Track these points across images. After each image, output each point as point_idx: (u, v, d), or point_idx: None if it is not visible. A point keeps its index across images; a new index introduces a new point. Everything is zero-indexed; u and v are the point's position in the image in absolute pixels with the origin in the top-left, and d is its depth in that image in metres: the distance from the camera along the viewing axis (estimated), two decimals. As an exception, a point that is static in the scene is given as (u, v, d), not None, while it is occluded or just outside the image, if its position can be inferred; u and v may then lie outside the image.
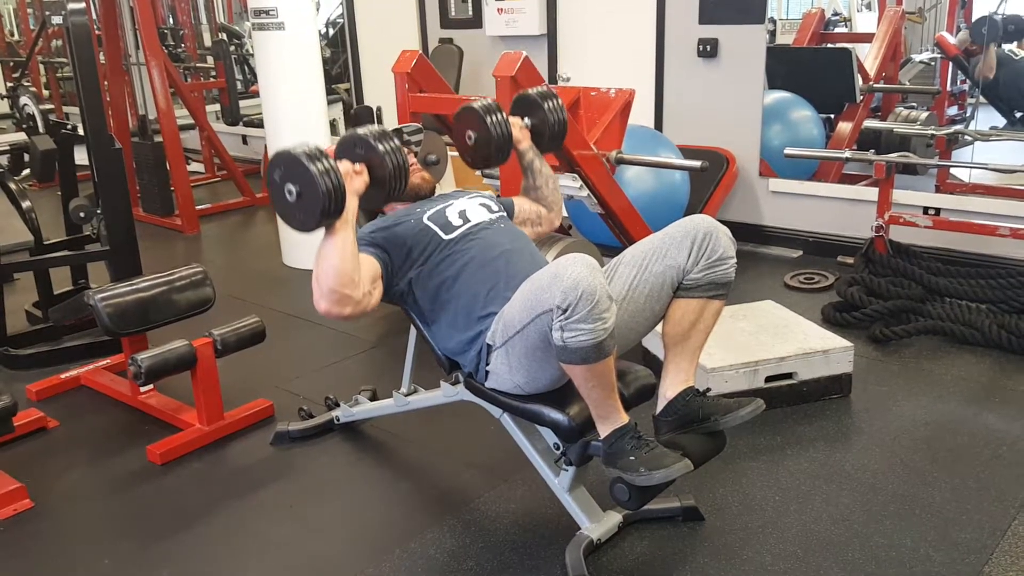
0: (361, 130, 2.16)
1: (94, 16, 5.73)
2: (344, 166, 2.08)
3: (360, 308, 2.12)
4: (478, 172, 3.90)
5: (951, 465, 2.59)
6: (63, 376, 3.40)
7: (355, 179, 2.10)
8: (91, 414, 3.20)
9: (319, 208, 1.96)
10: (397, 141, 2.15)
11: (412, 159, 2.52)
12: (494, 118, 2.44)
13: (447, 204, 2.39)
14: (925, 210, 4.05)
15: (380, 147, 2.11)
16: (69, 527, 2.52)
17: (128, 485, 2.72)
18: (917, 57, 5.73)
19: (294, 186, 1.99)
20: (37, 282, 3.90)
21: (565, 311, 1.84)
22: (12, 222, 3.83)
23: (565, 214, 4.53)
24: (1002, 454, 2.64)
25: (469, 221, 2.34)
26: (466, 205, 2.39)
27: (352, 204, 2.06)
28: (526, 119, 2.57)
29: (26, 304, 4.05)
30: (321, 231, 2.04)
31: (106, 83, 5.51)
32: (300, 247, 4.78)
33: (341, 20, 6.78)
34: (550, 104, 2.56)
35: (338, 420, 2.94)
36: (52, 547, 2.42)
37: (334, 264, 2.03)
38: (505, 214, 2.48)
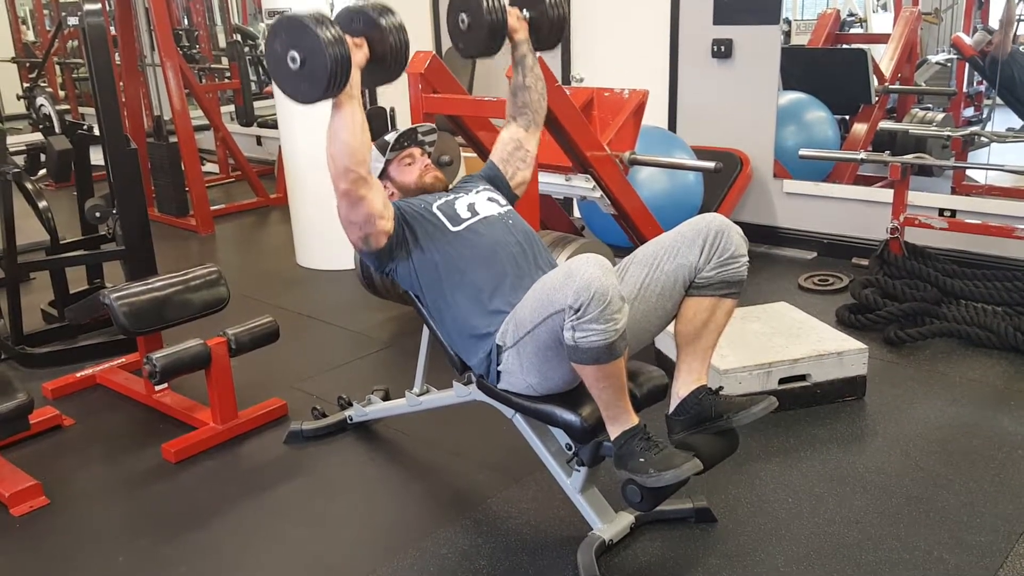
0: (361, 3, 2.11)
1: (110, 17, 5.76)
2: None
3: (374, 204, 2.13)
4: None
5: (966, 468, 2.58)
6: (79, 375, 3.42)
7: (356, 52, 2.06)
8: (106, 412, 3.23)
9: (326, 76, 1.91)
10: (398, 18, 2.10)
11: (426, 159, 2.52)
12: (491, 2, 2.38)
13: (456, 197, 2.40)
14: (941, 212, 4.02)
15: (382, 22, 2.06)
16: (84, 524, 2.53)
17: (143, 483, 2.74)
18: (933, 58, 5.69)
19: (298, 53, 1.92)
20: (53, 281, 3.92)
21: (577, 311, 1.84)
22: (29, 222, 3.86)
23: (578, 215, 4.54)
24: (1017, 457, 2.62)
25: (477, 214, 2.34)
26: (475, 199, 2.40)
27: (355, 77, 2.03)
28: (525, 10, 2.52)
29: (42, 303, 4.08)
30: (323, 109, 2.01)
31: (122, 84, 5.54)
32: (314, 248, 4.80)
33: (355, 21, 6.79)
34: None
35: (351, 420, 2.95)
36: (67, 544, 2.44)
37: (345, 140, 2.04)
38: (511, 207, 2.48)
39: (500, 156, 2.58)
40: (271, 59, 2.01)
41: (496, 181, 2.55)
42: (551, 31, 2.55)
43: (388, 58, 2.09)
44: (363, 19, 2.08)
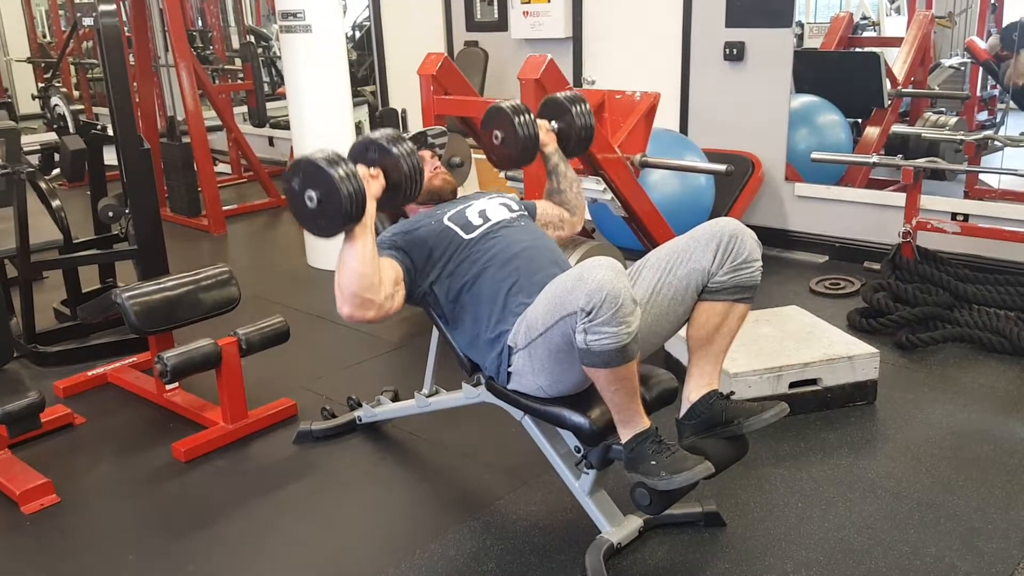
0: (374, 134, 2.16)
1: (124, 18, 5.80)
2: (360, 171, 2.06)
3: (383, 312, 2.11)
4: (502, 175, 3.91)
5: (977, 474, 2.56)
6: (90, 373, 3.44)
7: (372, 183, 2.08)
8: (117, 411, 3.24)
9: (341, 213, 1.96)
10: (410, 144, 2.15)
11: (436, 162, 2.53)
12: (522, 119, 2.45)
13: (467, 205, 2.40)
14: (953, 216, 4.00)
15: (394, 150, 2.11)
16: (95, 522, 2.55)
17: (153, 482, 2.75)
18: (946, 62, 5.67)
19: (315, 192, 1.98)
20: (66, 280, 3.95)
21: (589, 313, 1.84)
22: (42, 221, 3.88)
23: (588, 217, 4.54)
24: (1030, 464, 2.61)
25: (489, 220, 2.34)
26: (486, 205, 2.40)
27: (371, 208, 2.06)
28: (553, 122, 2.58)
29: (55, 302, 4.11)
30: (341, 235, 2.05)
31: (135, 84, 5.57)
32: (324, 248, 4.81)
33: (367, 23, 6.82)
34: (578, 108, 2.57)
35: (360, 420, 2.96)
36: (78, 542, 2.45)
37: (355, 269, 2.03)
38: (526, 212, 2.48)
39: (542, 215, 2.60)
40: (290, 197, 2.06)
41: (528, 210, 2.55)
42: (579, 141, 2.60)
43: (403, 184, 2.13)
44: (377, 149, 2.13)
